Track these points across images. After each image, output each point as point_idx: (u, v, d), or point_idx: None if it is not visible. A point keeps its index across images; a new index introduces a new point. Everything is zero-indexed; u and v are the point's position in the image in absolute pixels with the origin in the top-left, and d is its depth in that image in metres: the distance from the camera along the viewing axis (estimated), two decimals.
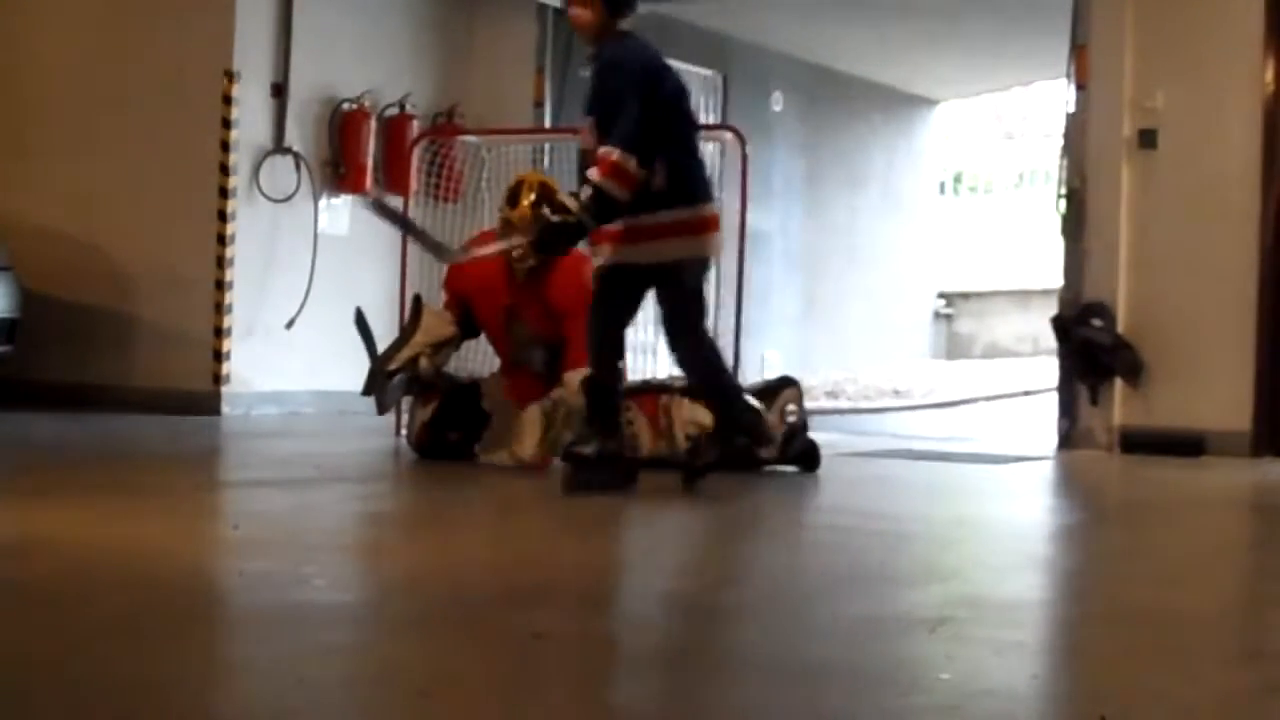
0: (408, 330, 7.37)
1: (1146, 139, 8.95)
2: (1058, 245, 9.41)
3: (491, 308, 7.33)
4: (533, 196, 7.14)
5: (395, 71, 10.53)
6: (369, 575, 4.40)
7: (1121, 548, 5.64)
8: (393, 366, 7.25)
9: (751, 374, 11.43)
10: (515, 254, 7.04)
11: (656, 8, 11.81)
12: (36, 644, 3.27)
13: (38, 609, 3.66)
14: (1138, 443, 8.87)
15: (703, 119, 13.18)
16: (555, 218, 6.29)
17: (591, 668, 3.28)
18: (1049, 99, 16.79)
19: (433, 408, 7.33)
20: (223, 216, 9.52)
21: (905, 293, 16.39)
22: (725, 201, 12.76)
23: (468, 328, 7.46)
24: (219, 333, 9.49)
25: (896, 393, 14.19)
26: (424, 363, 7.28)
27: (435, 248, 7.11)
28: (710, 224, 6.36)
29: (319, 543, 5.07)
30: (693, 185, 6.29)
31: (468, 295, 7.37)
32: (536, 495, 6.73)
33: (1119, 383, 9.00)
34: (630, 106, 6.04)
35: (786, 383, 7.47)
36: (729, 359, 7.43)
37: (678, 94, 6.35)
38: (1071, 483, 8.19)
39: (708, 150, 12.91)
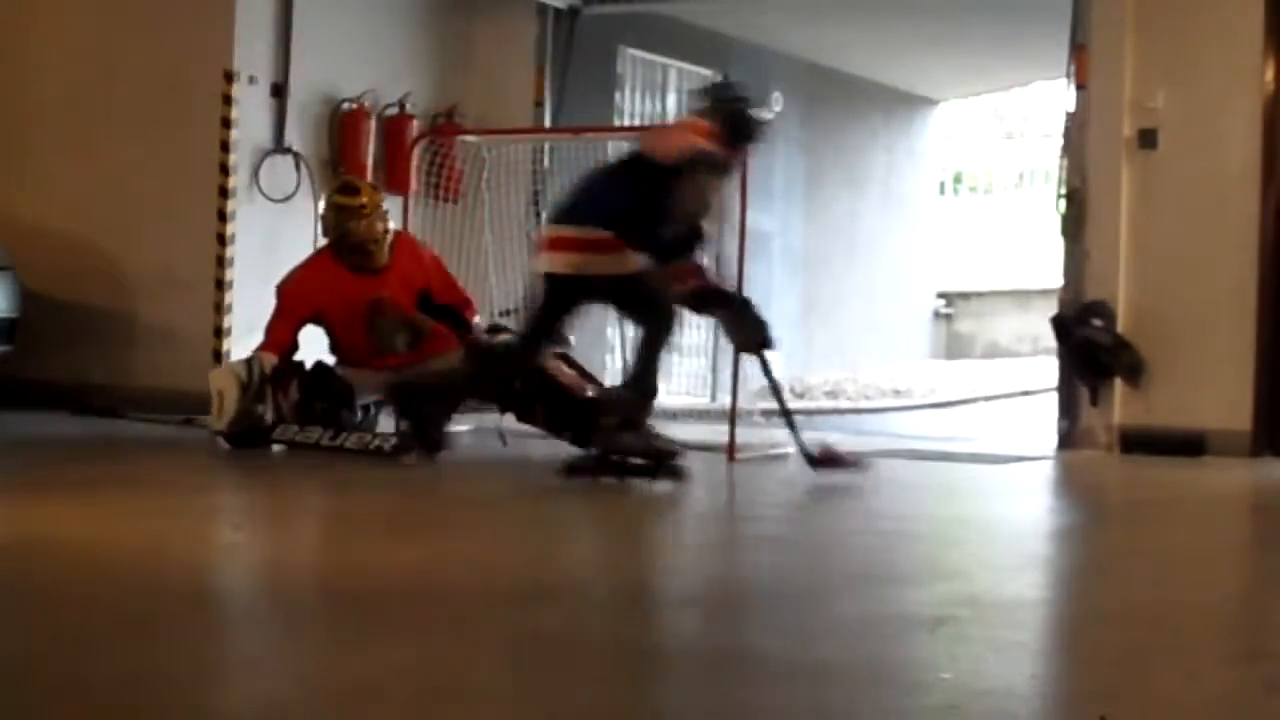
0: (260, 388, 7.69)
1: (1146, 139, 8.94)
2: (1058, 245, 9.41)
3: (349, 310, 7.84)
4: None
5: (395, 71, 10.52)
6: (369, 574, 4.40)
7: (1121, 548, 5.64)
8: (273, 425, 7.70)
9: (751, 374, 11.44)
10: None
11: (657, 8, 11.83)
12: (36, 643, 3.27)
13: (38, 609, 3.66)
14: (1138, 443, 8.86)
15: None
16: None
17: (592, 667, 3.28)
18: (1049, 99, 16.79)
19: (295, 387, 7.76)
20: (223, 216, 9.50)
21: (905, 293, 16.38)
22: (725, 201, 12.79)
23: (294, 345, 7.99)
24: (219, 333, 9.47)
25: (896, 393, 14.19)
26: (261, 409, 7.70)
27: None
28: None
29: (318, 542, 5.07)
30: None
31: (319, 309, 7.93)
32: (532, 494, 6.73)
33: (1119, 383, 8.99)
34: None
35: None
36: (730, 358, 7.52)
37: None
38: (1071, 483, 8.19)
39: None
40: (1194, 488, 7.63)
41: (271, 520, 5.74)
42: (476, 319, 8.14)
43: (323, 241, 8.33)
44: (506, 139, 9.76)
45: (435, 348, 7.86)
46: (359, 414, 7.99)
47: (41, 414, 8.95)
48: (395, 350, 7.80)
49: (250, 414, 7.61)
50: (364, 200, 8.02)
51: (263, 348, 7.90)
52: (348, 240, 7.94)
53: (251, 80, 9.56)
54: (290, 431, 7.63)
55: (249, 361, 7.77)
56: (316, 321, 7.98)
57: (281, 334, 7.91)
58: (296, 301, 7.96)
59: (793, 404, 13.06)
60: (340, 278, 7.93)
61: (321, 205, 8.41)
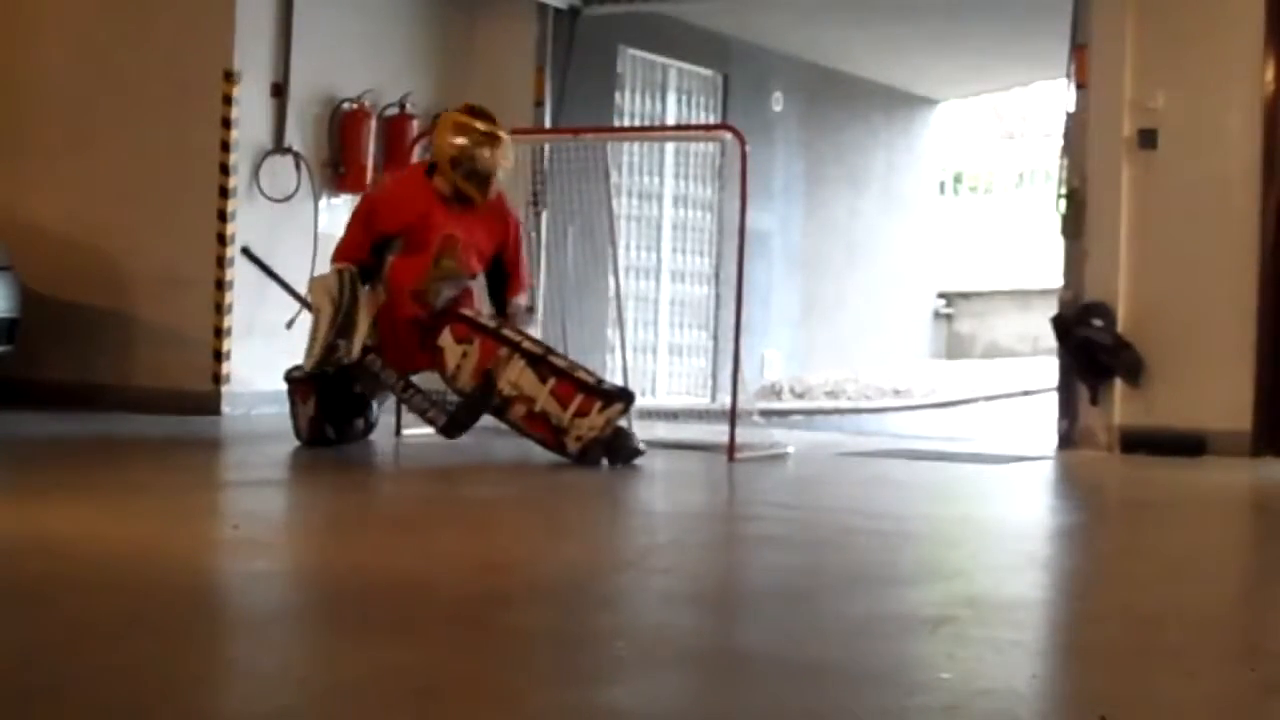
0: (350, 312, 7.50)
1: (1146, 139, 8.95)
2: (1058, 245, 9.41)
3: (429, 237, 7.63)
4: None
5: (395, 71, 10.53)
6: (368, 574, 4.40)
7: (1121, 548, 5.64)
8: (361, 358, 7.57)
9: (751, 374, 11.44)
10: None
11: (657, 8, 11.84)
12: (36, 644, 3.27)
13: (37, 609, 3.66)
14: (1138, 443, 8.87)
15: (703, 119, 13.24)
16: None
17: (592, 667, 3.28)
18: (1049, 99, 16.80)
19: (313, 402, 7.68)
20: (223, 216, 9.51)
21: (905, 293, 16.38)
22: (725, 201, 12.82)
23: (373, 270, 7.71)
24: (219, 333, 9.48)
25: (896, 393, 14.20)
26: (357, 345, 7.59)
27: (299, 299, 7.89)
28: None
29: (318, 542, 5.07)
30: None
31: (406, 227, 7.62)
32: (532, 494, 6.73)
33: (1119, 383, 8.99)
34: None
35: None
36: (730, 359, 7.47)
37: None
38: (1071, 483, 8.19)
39: (707, 150, 13.06)
40: (1194, 488, 7.63)
41: (270, 520, 5.73)
42: (521, 298, 8.03)
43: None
44: None
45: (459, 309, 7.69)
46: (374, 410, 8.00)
47: (41, 414, 8.96)
48: (432, 302, 7.60)
49: (333, 350, 7.44)
50: (499, 130, 7.75)
51: (339, 258, 7.66)
52: (473, 165, 7.64)
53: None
54: (376, 364, 7.57)
55: (340, 274, 7.51)
56: (389, 240, 7.64)
57: (358, 247, 7.63)
58: (387, 211, 7.68)
59: (793, 404, 13.14)
60: (431, 200, 7.66)
61: (434, 125, 8.09)
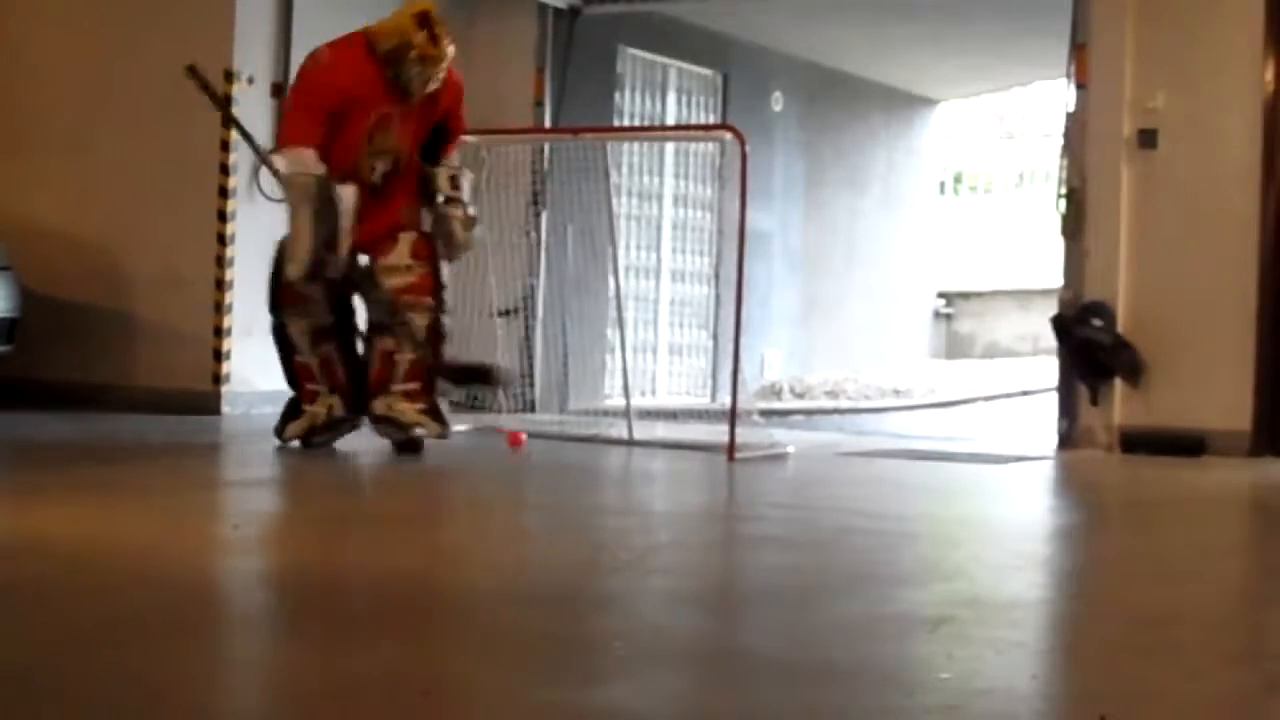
0: (326, 214, 7.19)
1: (1146, 139, 8.95)
2: (1058, 245, 9.41)
3: (364, 116, 7.30)
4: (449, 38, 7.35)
5: None
6: (368, 574, 4.40)
7: (1121, 548, 5.64)
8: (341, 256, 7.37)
9: (751, 374, 11.44)
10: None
11: (657, 8, 11.84)
12: (35, 644, 3.27)
13: (37, 609, 3.66)
14: (1138, 443, 8.87)
15: (703, 119, 13.24)
16: None
17: (591, 667, 3.28)
18: (1049, 99, 16.80)
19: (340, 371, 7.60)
20: (223, 216, 9.51)
21: (905, 292, 16.38)
22: (725, 201, 12.82)
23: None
24: (219, 332, 9.48)
25: (896, 393, 14.19)
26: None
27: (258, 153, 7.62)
28: None
29: (318, 542, 5.06)
30: None
31: (345, 105, 7.23)
32: (532, 493, 6.74)
33: (1119, 383, 9.00)
34: None
35: None
36: (730, 358, 7.45)
37: None
38: (1071, 483, 8.19)
39: (707, 150, 13.06)
40: (1194, 488, 7.63)
41: (270, 520, 5.74)
42: (454, 156, 7.78)
43: None
44: (506, 139, 9.76)
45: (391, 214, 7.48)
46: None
47: (41, 414, 8.96)
48: (368, 179, 7.32)
49: (321, 265, 7.18)
50: (439, 50, 7.26)
51: (286, 145, 7.26)
52: (398, 71, 7.25)
53: (250, 80, 9.56)
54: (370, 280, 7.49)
55: (318, 180, 7.10)
56: (334, 119, 7.23)
57: (309, 128, 7.14)
58: (326, 90, 7.21)
59: (793, 404, 13.15)
60: (373, 77, 7.25)
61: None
